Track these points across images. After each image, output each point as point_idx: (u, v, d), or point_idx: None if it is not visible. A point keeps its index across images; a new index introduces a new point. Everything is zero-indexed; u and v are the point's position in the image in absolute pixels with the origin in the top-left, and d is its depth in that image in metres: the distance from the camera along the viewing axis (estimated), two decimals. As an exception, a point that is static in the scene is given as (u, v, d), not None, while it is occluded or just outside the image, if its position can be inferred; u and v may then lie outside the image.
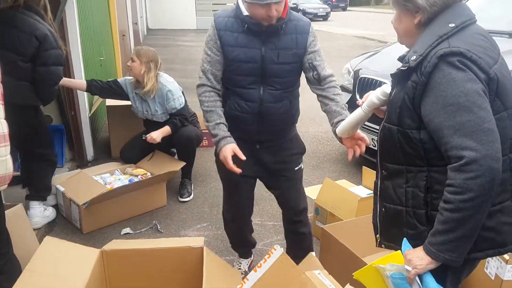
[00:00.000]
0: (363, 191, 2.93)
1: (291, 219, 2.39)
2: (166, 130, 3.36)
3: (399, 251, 1.35)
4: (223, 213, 2.52)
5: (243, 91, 2.06)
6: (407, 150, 1.33)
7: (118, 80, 3.64)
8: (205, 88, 2.08)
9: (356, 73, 4.04)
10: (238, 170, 2.00)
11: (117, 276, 2.11)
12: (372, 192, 2.85)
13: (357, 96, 3.92)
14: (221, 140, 2.03)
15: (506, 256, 1.98)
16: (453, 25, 1.27)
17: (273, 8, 1.85)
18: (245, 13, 1.94)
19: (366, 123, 3.75)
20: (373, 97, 1.57)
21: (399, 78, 1.35)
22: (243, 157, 1.99)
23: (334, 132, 1.99)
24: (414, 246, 1.33)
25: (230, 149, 2.00)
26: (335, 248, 2.45)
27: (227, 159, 1.99)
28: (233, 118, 2.11)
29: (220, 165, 2.15)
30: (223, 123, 2.07)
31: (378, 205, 1.52)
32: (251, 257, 2.69)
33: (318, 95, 2.11)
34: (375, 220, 1.55)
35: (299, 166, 2.30)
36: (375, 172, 3.00)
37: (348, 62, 4.48)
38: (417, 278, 1.28)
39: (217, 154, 2.09)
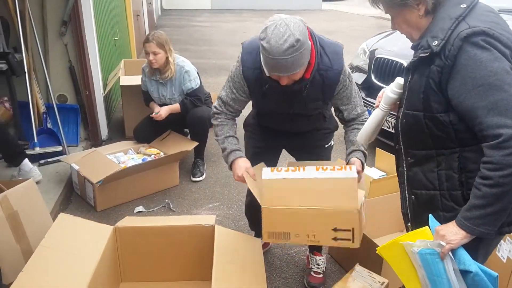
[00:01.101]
0: (376, 173, 2.90)
1: None
2: (174, 107, 3.41)
3: (426, 227, 1.36)
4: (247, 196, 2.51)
5: (273, 117, 2.09)
6: (437, 134, 1.34)
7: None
8: (222, 115, 2.04)
9: (372, 53, 3.97)
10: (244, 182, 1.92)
11: (130, 252, 2.15)
12: (385, 174, 2.85)
13: (372, 77, 3.86)
14: (230, 154, 1.97)
15: (519, 240, 1.95)
16: (465, 5, 1.28)
17: (284, 78, 1.71)
18: (267, 73, 1.76)
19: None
20: (389, 93, 1.54)
21: (417, 65, 1.35)
22: (255, 179, 1.92)
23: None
24: None
25: (244, 167, 1.92)
26: (346, 229, 2.44)
27: (245, 175, 1.89)
28: (264, 124, 2.17)
29: (252, 151, 2.22)
30: (233, 136, 2.02)
31: (406, 194, 1.51)
32: None
33: (344, 126, 2.07)
34: (404, 209, 1.55)
35: (329, 143, 2.27)
36: (388, 154, 2.98)
37: (364, 42, 4.40)
38: (450, 253, 1.30)
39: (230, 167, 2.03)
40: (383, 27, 5.84)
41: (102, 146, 3.71)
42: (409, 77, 1.40)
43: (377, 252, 1.46)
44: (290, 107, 1.95)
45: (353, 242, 1.66)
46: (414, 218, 1.50)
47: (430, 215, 1.38)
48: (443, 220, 1.37)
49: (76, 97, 3.98)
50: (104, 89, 4.29)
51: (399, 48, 3.72)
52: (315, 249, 2.47)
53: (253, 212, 2.53)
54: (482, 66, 1.20)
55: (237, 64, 1.94)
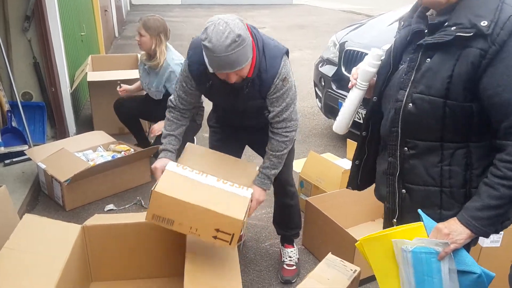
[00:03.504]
0: (347, 164, 2.93)
1: (281, 192, 2.36)
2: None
3: (421, 224, 1.27)
4: None
5: (225, 111, 2.16)
6: (453, 125, 1.23)
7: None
8: (176, 109, 2.07)
9: (342, 45, 4.00)
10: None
11: (99, 251, 2.10)
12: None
13: (343, 69, 3.89)
14: (162, 152, 2.04)
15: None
16: None
17: (232, 75, 1.73)
18: (210, 70, 1.76)
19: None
20: (367, 67, 1.43)
21: (442, 44, 1.21)
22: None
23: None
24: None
25: (163, 165, 1.94)
26: (319, 220, 2.47)
27: (156, 170, 1.95)
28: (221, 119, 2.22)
29: (211, 145, 2.26)
30: (175, 136, 2.06)
31: (396, 187, 1.38)
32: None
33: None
34: (391, 204, 1.41)
35: None
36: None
37: (333, 35, 4.43)
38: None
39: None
40: (353, 21, 5.87)
41: (69, 137, 3.67)
42: (424, 56, 1.26)
43: (356, 244, 1.39)
44: (234, 103, 1.98)
45: (230, 244, 1.75)
46: (402, 214, 1.38)
47: (420, 212, 1.29)
48: (439, 218, 1.29)
49: (41, 94, 3.86)
50: (71, 85, 4.18)
51: (368, 40, 3.76)
52: (286, 242, 2.49)
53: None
54: None
55: (185, 59, 1.99)
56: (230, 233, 1.72)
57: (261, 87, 1.88)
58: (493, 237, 2.13)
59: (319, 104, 4.27)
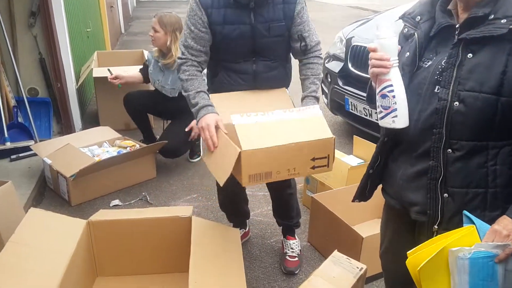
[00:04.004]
0: (354, 160, 2.91)
1: (283, 183, 2.32)
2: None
3: (472, 227, 1.19)
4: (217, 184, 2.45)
5: (234, 66, 2.00)
6: (503, 123, 1.18)
7: (146, 56, 3.55)
8: (188, 62, 1.95)
9: (348, 41, 3.96)
10: (214, 144, 1.82)
11: (105, 247, 2.10)
12: (362, 161, 2.86)
13: (349, 65, 3.85)
14: (201, 109, 1.88)
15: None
16: None
17: None
18: None
19: (359, 92, 3.73)
20: (390, 40, 1.25)
21: (490, 39, 1.16)
22: (226, 131, 1.85)
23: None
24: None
25: (214, 119, 1.82)
26: (324, 217, 2.45)
27: (210, 127, 1.80)
28: (225, 91, 2.05)
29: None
30: (205, 92, 1.94)
31: (439, 192, 1.29)
32: (245, 228, 2.66)
33: (300, 61, 2.08)
34: (432, 211, 1.31)
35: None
36: (365, 141, 2.98)
37: (340, 31, 4.39)
38: None
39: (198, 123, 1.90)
40: (360, 17, 5.81)
41: (75, 133, 3.70)
42: (465, 52, 1.20)
43: (413, 274, 1.21)
44: (252, 32, 1.90)
45: (328, 167, 1.77)
46: (444, 220, 1.30)
47: (470, 214, 1.22)
48: (484, 220, 1.22)
49: (47, 90, 3.86)
50: (77, 81, 4.18)
51: (375, 35, 3.72)
52: (288, 233, 2.48)
53: (228, 205, 2.50)
54: None
55: (191, 0, 1.93)
56: (326, 155, 1.73)
57: (284, 6, 1.91)
58: None
59: (325, 101, 4.24)
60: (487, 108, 1.17)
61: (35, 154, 3.27)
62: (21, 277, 1.63)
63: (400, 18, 1.43)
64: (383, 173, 1.47)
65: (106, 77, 3.85)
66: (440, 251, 1.18)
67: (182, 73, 1.97)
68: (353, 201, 1.60)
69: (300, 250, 2.48)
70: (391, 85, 1.26)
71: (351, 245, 2.23)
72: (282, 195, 2.37)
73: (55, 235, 1.89)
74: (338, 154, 3.19)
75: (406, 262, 1.22)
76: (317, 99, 2.00)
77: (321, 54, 2.07)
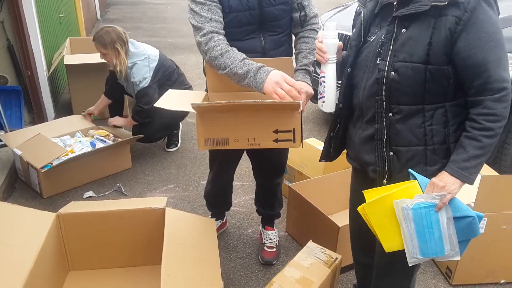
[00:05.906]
0: (331, 149, 2.89)
1: (274, 172, 2.30)
2: (131, 121, 3.31)
3: (415, 181, 1.38)
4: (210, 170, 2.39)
5: (242, 44, 1.87)
6: (433, 88, 1.35)
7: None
8: (211, 34, 1.77)
9: (326, 28, 3.93)
10: (296, 97, 1.67)
11: (77, 240, 2.04)
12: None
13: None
14: (257, 74, 1.69)
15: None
16: None
17: None
18: None
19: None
20: (330, 41, 1.52)
21: (417, 15, 1.32)
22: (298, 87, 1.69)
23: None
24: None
25: (279, 75, 1.66)
26: (302, 206, 2.44)
27: (281, 85, 1.65)
28: None
29: None
30: (247, 58, 1.76)
31: (384, 151, 1.46)
32: (222, 219, 2.63)
33: (296, 35, 2.03)
34: (380, 167, 1.49)
35: None
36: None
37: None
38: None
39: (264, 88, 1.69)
40: (339, 4, 5.75)
41: (47, 122, 3.59)
42: (400, 27, 1.36)
43: (358, 209, 1.42)
44: (260, 1, 1.83)
45: (294, 142, 1.66)
46: (392, 175, 1.49)
47: (412, 171, 1.41)
48: (425, 174, 1.41)
49: (17, 78, 3.72)
50: (49, 68, 4.04)
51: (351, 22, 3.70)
52: (267, 224, 2.46)
53: (217, 195, 2.46)
54: (493, 22, 1.28)
55: None
56: (290, 129, 1.63)
57: None
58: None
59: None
60: (418, 75, 1.34)
61: (5, 145, 3.16)
62: (-16, 274, 1.57)
63: None
64: (345, 137, 1.65)
65: (78, 65, 3.75)
66: (383, 197, 1.38)
67: (211, 51, 1.77)
68: (320, 161, 1.77)
69: (278, 240, 2.46)
70: (325, 77, 1.56)
71: (328, 234, 2.22)
72: (270, 185, 2.34)
73: (22, 230, 1.83)
74: (315, 142, 3.17)
75: (358, 209, 1.43)
76: (308, 72, 1.94)
77: (318, 27, 2.01)
